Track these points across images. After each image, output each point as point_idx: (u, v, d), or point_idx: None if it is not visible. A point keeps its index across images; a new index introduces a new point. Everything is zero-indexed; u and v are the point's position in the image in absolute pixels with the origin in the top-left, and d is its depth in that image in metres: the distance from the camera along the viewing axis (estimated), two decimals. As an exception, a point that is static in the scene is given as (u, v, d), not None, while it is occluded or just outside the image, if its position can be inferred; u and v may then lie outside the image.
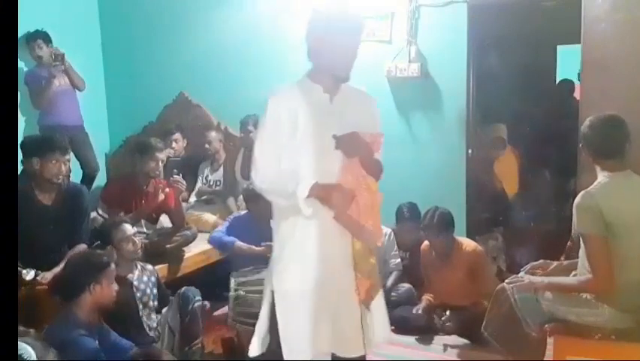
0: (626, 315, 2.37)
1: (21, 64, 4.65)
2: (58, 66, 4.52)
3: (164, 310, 3.16)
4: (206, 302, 3.22)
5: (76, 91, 4.76)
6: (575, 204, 2.41)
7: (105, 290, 2.59)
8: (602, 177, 2.44)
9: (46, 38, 4.58)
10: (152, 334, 3.03)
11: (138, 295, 3.04)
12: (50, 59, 4.52)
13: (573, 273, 2.59)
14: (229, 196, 4.48)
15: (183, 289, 3.14)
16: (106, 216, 3.75)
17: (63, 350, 2.31)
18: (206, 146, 4.69)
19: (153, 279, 3.18)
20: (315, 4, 4.90)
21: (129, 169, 3.88)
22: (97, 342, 2.51)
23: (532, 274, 2.67)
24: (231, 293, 3.10)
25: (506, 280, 2.64)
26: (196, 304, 3.07)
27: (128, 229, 3.07)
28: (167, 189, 3.73)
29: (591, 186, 2.43)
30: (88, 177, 4.76)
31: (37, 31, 4.57)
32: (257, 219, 3.57)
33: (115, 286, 2.65)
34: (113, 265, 2.67)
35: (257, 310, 3.05)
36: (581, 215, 2.38)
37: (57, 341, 2.31)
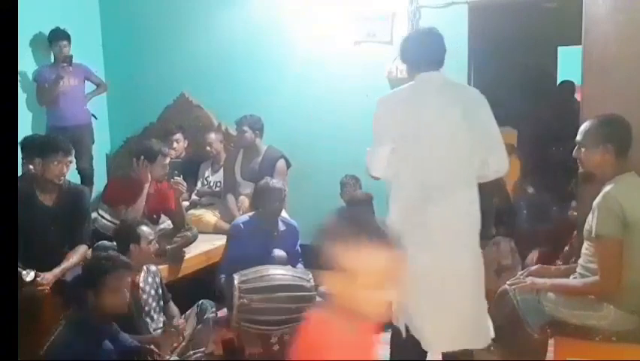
0: (631, 317, 2.36)
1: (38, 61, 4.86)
2: (66, 67, 4.65)
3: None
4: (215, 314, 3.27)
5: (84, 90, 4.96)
6: (596, 205, 2.37)
7: (126, 289, 2.59)
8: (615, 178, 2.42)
9: (69, 39, 4.74)
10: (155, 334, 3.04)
11: (144, 297, 3.05)
12: (61, 58, 4.67)
13: (572, 276, 2.58)
14: (228, 193, 4.46)
15: (202, 301, 3.23)
16: (107, 216, 3.74)
17: (84, 349, 2.35)
18: (209, 147, 4.69)
19: (157, 280, 3.20)
20: (315, 4, 4.92)
21: (131, 171, 3.85)
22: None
23: None
24: (235, 301, 3.10)
25: (508, 282, 2.62)
26: (210, 315, 3.15)
27: (150, 232, 3.11)
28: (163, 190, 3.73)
29: (609, 187, 2.39)
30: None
31: (60, 31, 4.72)
32: (264, 217, 3.56)
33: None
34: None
35: (261, 317, 3.09)
36: (602, 216, 2.34)
37: (78, 341, 2.36)
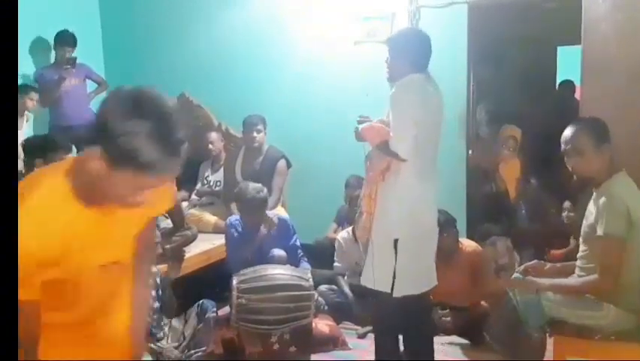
0: (630, 316, 2.36)
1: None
2: (69, 69, 4.70)
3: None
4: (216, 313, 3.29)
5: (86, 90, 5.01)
6: (603, 206, 2.33)
7: None
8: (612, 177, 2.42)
9: (75, 45, 4.78)
10: (153, 332, 3.05)
11: None
12: (64, 60, 4.71)
13: (570, 277, 2.58)
14: (231, 201, 4.43)
15: (203, 300, 3.28)
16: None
17: None
18: (210, 147, 4.68)
19: (158, 281, 3.20)
20: (315, 4, 4.92)
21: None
22: None
23: (526, 274, 2.65)
24: (234, 300, 3.10)
25: (506, 283, 2.61)
26: (211, 315, 3.17)
27: (157, 234, 3.12)
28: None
29: (611, 188, 2.37)
30: None
31: (66, 34, 4.73)
32: (247, 224, 3.58)
33: None
34: None
35: (260, 316, 3.09)
36: (610, 216, 2.31)
37: None
